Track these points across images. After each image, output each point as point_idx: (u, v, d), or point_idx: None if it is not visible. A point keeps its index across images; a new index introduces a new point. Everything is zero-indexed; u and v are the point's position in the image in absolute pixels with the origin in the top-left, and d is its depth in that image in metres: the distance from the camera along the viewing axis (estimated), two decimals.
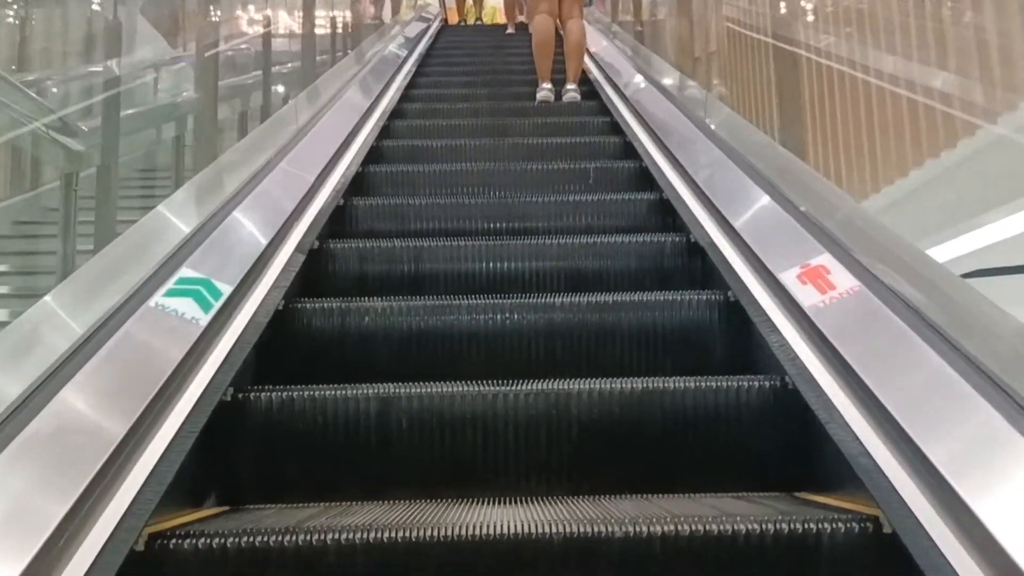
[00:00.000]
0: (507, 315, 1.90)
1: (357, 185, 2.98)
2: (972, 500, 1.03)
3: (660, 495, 1.45)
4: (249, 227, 2.20)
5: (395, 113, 4.12)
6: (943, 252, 2.37)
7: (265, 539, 1.10)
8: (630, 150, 3.32)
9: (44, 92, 3.61)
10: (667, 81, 4.01)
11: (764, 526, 1.13)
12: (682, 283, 2.23)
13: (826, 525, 1.13)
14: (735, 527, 1.13)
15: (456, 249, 2.31)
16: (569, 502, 1.38)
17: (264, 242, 2.15)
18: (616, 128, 3.72)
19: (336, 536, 1.09)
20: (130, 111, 3.76)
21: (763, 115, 4.30)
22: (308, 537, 1.10)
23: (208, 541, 1.10)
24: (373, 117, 3.85)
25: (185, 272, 1.74)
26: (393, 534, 1.10)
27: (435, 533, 1.11)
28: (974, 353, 1.23)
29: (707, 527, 1.13)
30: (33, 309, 1.51)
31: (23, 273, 3.77)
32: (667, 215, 2.64)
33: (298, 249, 2.21)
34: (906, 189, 3.68)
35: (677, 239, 2.34)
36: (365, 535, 1.09)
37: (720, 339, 1.88)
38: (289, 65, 4.91)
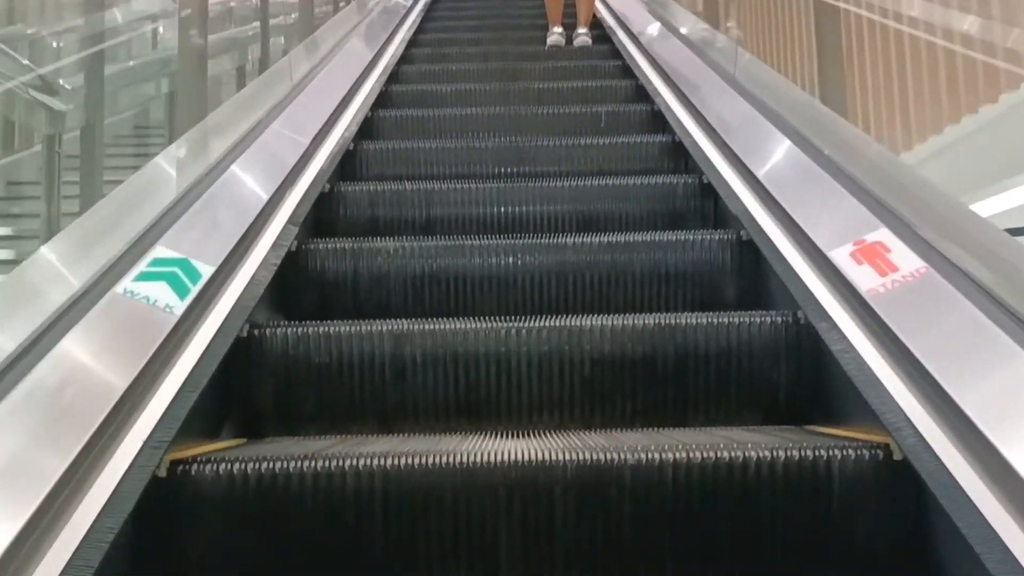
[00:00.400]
0: (519, 255, 1.90)
1: (366, 130, 2.96)
2: (985, 426, 1.03)
3: (672, 428, 1.47)
4: (260, 169, 2.20)
5: (403, 58, 4.07)
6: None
7: (284, 465, 1.12)
8: (642, 93, 3.28)
9: (21, 48, 3.51)
10: (681, 25, 3.93)
11: (775, 453, 1.15)
12: (695, 224, 2.22)
13: (837, 452, 1.14)
14: (746, 454, 1.14)
15: (467, 192, 2.30)
16: (581, 434, 1.40)
17: (274, 186, 2.15)
18: (628, 71, 3.67)
19: (354, 462, 1.11)
20: (121, 65, 3.68)
21: (786, 66, 4.18)
22: (327, 463, 1.12)
23: (228, 467, 1.12)
24: (381, 62, 3.80)
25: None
26: (410, 460, 1.11)
27: (451, 460, 1.12)
28: (995, 289, 1.22)
29: (719, 454, 1.14)
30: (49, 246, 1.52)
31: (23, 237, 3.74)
32: (680, 157, 2.61)
33: (308, 192, 2.21)
34: (940, 146, 3.56)
35: (689, 180, 2.32)
36: (382, 461, 1.11)
37: (733, 278, 1.88)
38: (292, 15, 4.83)
